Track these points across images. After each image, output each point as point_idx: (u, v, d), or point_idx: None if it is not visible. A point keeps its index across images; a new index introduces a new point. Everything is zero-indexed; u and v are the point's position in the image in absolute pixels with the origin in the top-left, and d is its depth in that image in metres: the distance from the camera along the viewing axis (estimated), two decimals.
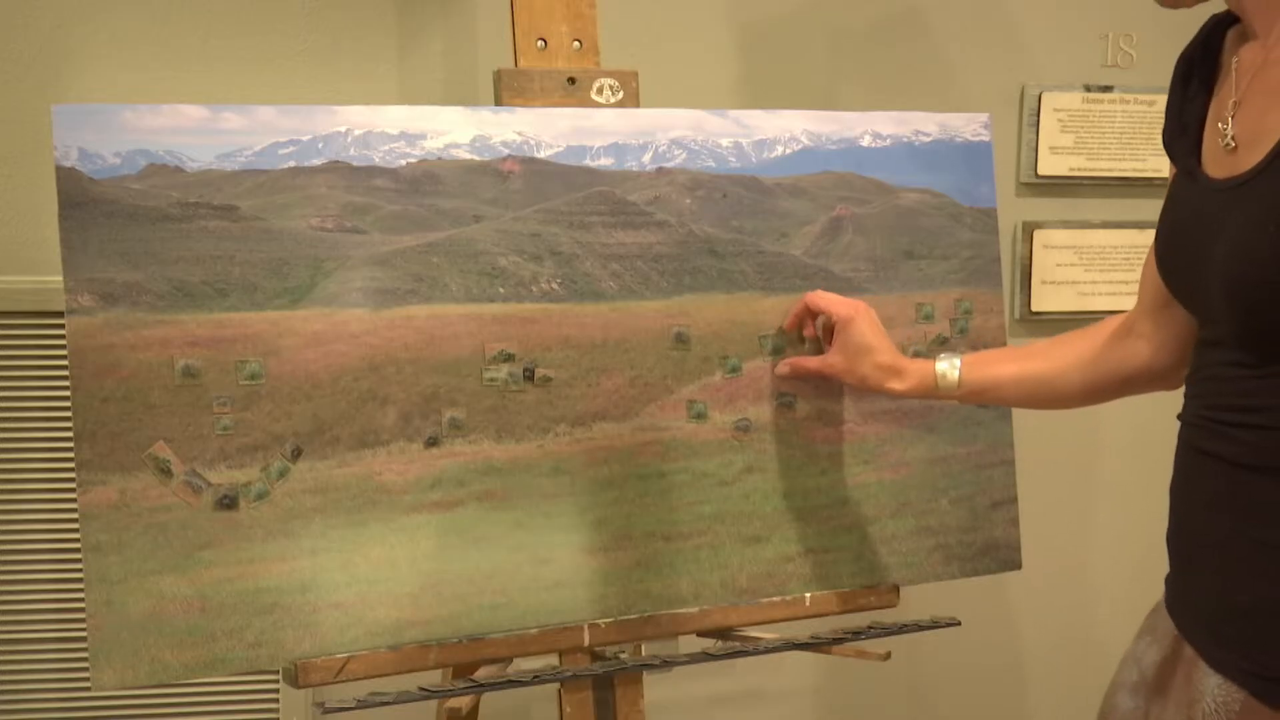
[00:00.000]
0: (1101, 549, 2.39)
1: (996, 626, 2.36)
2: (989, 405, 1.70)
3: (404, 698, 1.45)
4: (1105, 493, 2.38)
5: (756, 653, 1.60)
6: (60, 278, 1.34)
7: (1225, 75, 1.27)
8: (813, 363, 1.62)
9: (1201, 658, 1.24)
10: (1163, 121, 1.35)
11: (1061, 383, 1.50)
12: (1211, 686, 1.22)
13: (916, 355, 1.69)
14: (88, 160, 1.35)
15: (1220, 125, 1.22)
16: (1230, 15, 1.28)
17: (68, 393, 1.33)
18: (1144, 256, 1.44)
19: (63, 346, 1.35)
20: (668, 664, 1.59)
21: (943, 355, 1.57)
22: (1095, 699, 1.43)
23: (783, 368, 1.63)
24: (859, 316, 1.58)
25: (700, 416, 1.59)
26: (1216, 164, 1.23)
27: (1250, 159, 1.16)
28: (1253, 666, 1.18)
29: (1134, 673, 1.37)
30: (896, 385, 1.57)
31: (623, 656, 1.58)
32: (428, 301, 1.48)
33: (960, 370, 1.54)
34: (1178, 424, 1.29)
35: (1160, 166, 2.24)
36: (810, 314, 1.63)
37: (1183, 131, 1.31)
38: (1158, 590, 1.35)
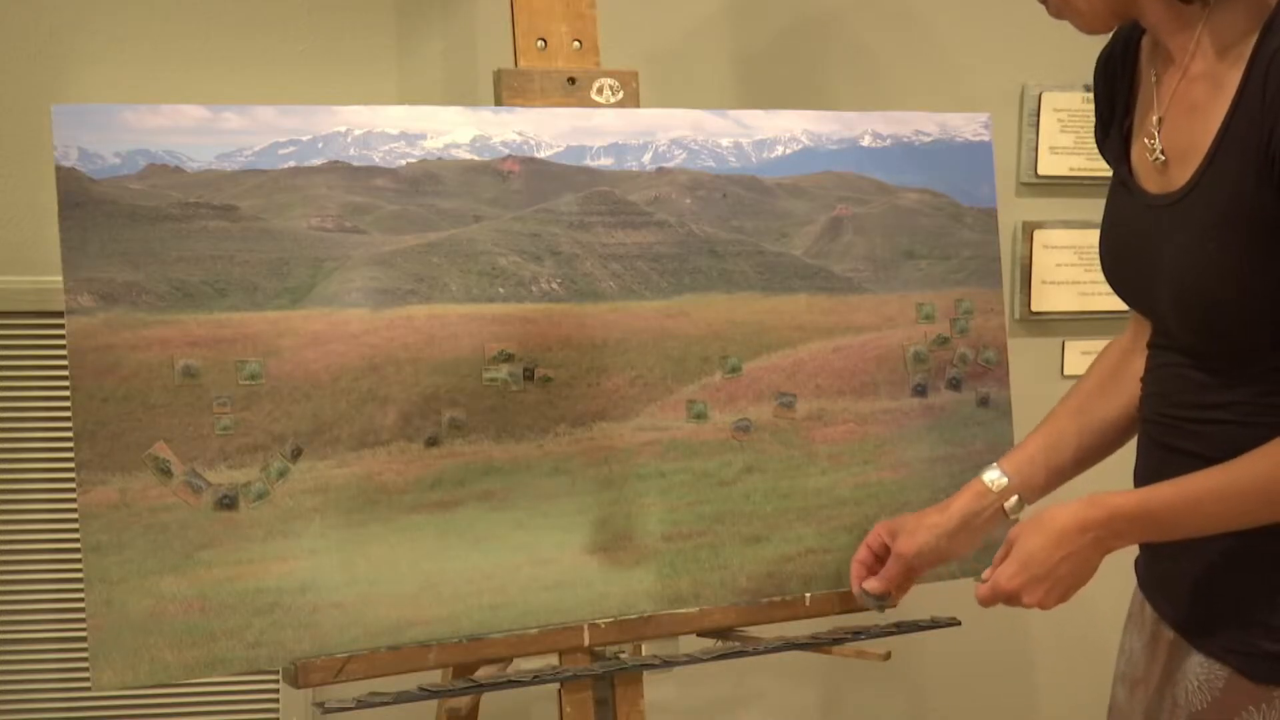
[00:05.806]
0: None
1: (997, 626, 2.35)
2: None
3: (404, 698, 1.45)
4: (1105, 491, 2.37)
5: (756, 653, 1.60)
6: (60, 278, 1.33)
7: (1144, 86, 1.30)
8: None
9: (1183, 638, 1.27)
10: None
11: (1115, 432, 1.44)
12: (1194, 665, 1.25)
13: (917, 355, 1.69)
14: (88, 160, 1.35)
15: (1147, 140, 1.25)
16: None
17: (68, 393, 1.33)
18: None
19: (63, 346, 1.34)
20: (668, 664, 1.59)
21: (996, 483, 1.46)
22: (1096, 697, 1.43)
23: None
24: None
25: (700, 416, 1.59)
26: (1148, 178, 1.26)
27: (1181, 175, 1.20)
28: (1236, 644, 1.22)
29: (1123, 662, 1.40)
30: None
31: (623, 656, 1.58)
32: (428, 301, 1.48)
33: (1020, 497, 1.47)
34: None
35: None
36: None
37: (1105, 134, 1.34)
38: None
